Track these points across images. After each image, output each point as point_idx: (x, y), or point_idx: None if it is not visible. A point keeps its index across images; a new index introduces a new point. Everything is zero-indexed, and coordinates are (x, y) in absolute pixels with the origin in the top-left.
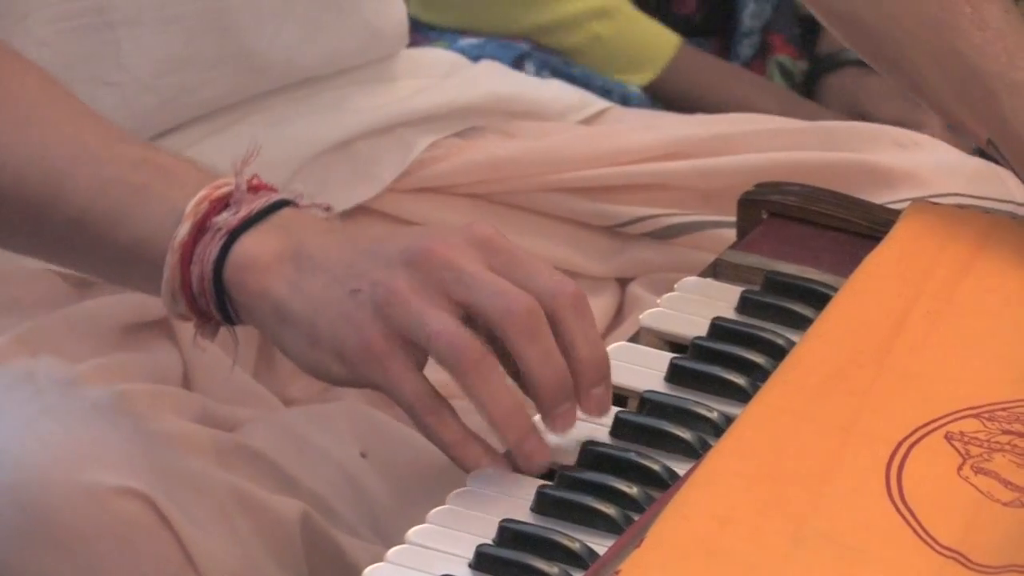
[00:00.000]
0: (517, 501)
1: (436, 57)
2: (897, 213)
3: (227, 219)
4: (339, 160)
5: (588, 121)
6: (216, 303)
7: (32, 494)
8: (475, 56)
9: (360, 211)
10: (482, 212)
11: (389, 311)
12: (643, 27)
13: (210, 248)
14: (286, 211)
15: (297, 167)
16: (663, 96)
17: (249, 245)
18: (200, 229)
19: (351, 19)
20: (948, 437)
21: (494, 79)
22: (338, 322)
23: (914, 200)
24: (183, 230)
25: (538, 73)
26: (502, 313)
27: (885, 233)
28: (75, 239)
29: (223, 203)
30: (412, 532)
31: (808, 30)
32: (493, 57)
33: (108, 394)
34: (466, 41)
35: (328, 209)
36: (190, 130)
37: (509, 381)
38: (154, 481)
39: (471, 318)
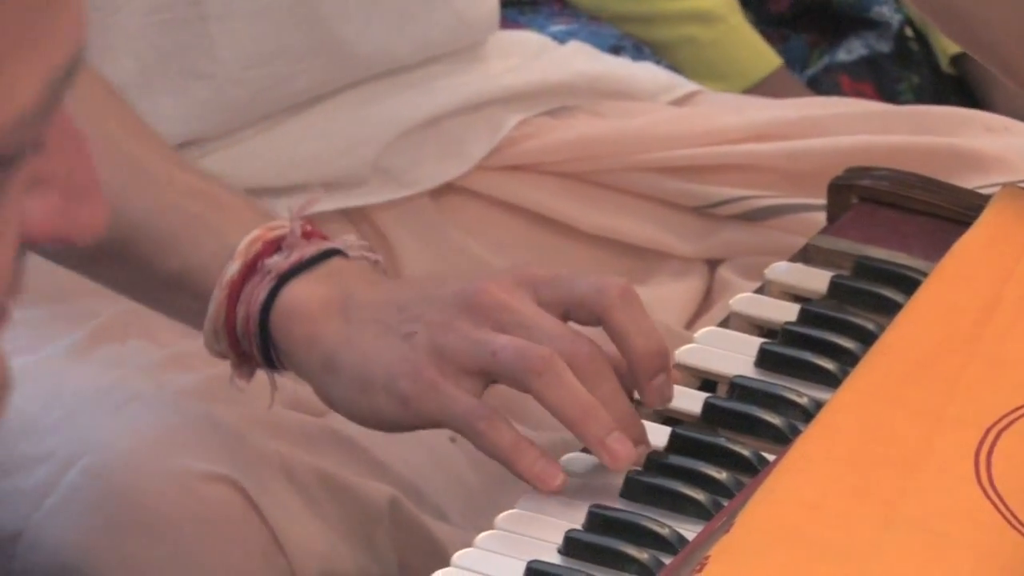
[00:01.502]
0: (607, 486)
1: (525, 38)
2: (987, 198)
3: (278, 262)
4: (428, 138)
5: (678, 102)
6: (259, 346)
7: (121, 480)
8: (565, 41)
9: (449, 188)
10: (571, 190)
11: (447, 345)
12: (743, 43)
13: (259, 290)
14: (336, 260)
15: (386, 145)
16: None
17: (298, 291)
18: (251, 269)
19: (440, 9)
20: None
21: (584, 59)
22: (393, 364)
23: (1004, 185)
24: (233, 268)
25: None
26: (567, 357)
27: (975, 218)
28: (124, 260)
29: (275, 245)
30: (501, 517)
31: None
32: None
33: (196, 380)
34: (556, 27)
35: (377, 262)
36: (279, 115)
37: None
38: (242, 467)
39: None
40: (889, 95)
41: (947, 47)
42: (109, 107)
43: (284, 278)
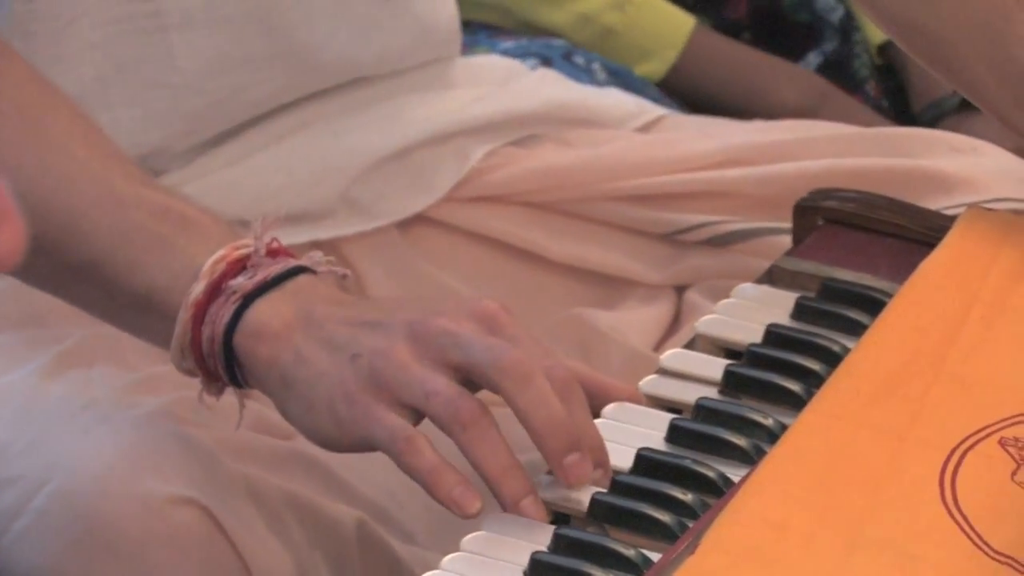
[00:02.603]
0: (573, 508)
1: (492, 64)
2: (952, 219)
3: (242, 283)
4: (397, 169)
5: (645, 128)
6: (224, 366)
7: (88, 503)
8: (520, 56)
9: (417, 220)
10: (539, 220)
11: (385, 375)
12: (655, 14)
13: (223, 311)
14: (302, 278)
15: (354, 176)
16: (680, 91)
17: (262, 311)
18: (215, 289)
19: (403, 16)
20: (1002, 442)
21: (551, 87)
22: (335, 386)
23: (970, 205)
24: (198, 288)
25: (588, 66)
26: (494, 364)
27: (940, 239)
28: (91, 280)
29: (241, 265)
30: (467, 540)
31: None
32: (540, 54)
33: (163, 403)
34: (506, 44)
35: (345, 276)
36: (246, 138)
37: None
38: (209, 490)
39: (470, 382)
40: (852, 86)
41: (874, 36)
42: (75, 128)
43: (248, 298)
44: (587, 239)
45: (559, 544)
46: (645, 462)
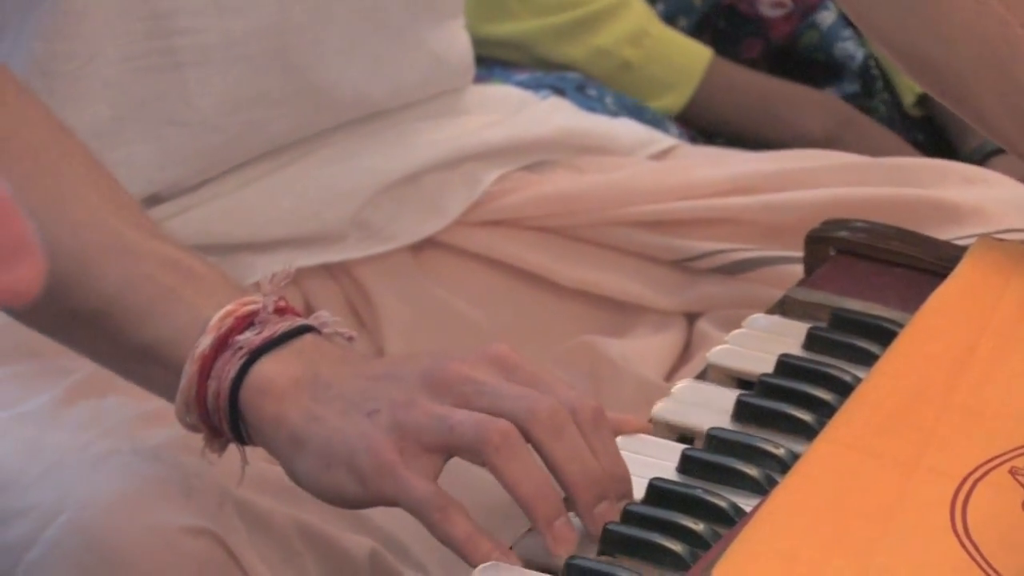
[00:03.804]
0: (583, 539)
1: (504, 93)
2: (963, 249)
3: (250, 339)
4: (407, 193)
5: (657, 157)
6: (229, 421)
7: (101, 534)
8: (534, 87)
9: (428, 243)
10: (550, 245)
11: (408, 422)
12: (673, 47)
13: (229, 366)
14: (308, 337)
15: (365, 200)
16: (699, 123)
17: (268, 368)
18: (222, 344)
19: (416, 52)
20: (1013, 472)
21: (563, 115)
22: (354, 441)
23: (980, 236)
24: (205, 342)
25: (601, 98)
26: (527, 413)
27: (951, 269)
28: (97, 329)
29: (248, 320)
30: (478, 570)
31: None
32: (553, 86)
33: (175, 434)
34: (521, 76)
35: (351, 339)
36: (257, 165)
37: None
38: (222, 520)
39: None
40: None
41: (912, 86)
42: (89, 175)
43: (255, 354)
44: (598, 264)
45: (570, 574)
46: (657, 492)
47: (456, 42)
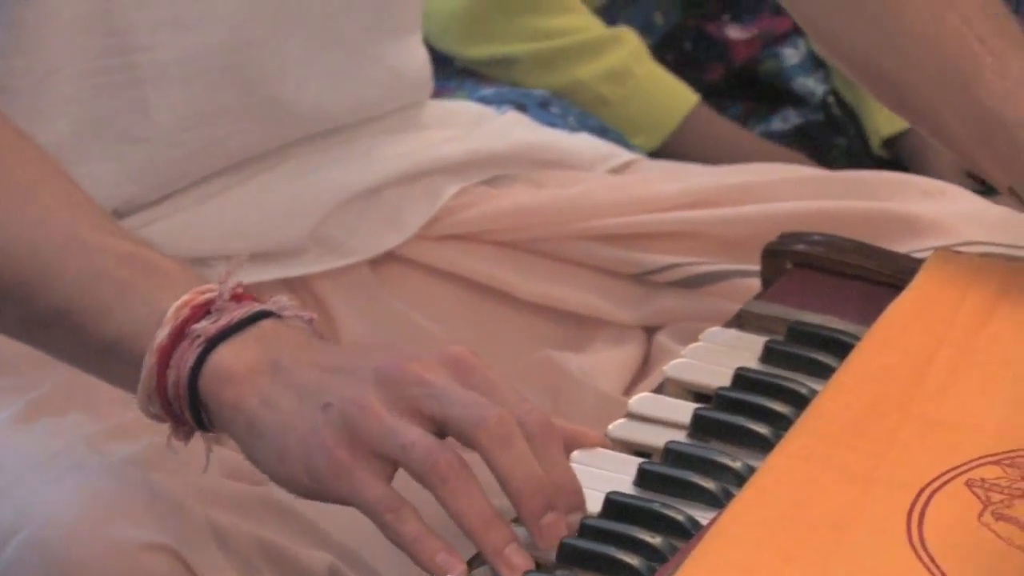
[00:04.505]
0: (542, 554)
1: (463, 108)
2: (920, 262)
3: (206, 327)
4: (367, 207)
5: (616, 171)
6: (190, 409)
7: (60, 550)
8: (497, 102)
9: (388, 257)
10: (509, 259)
11: (359, 425)
12: (656, 90)
13: (187, 355)
14: (266, 323)
15: (325, 214)
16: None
17: (225, 355)
18: (179, 334)
19: (375, 67)
20: (969, 484)
21: (522, 130)
22: (307, 437)
23: (938, 248)
24: (162, 333)
25: (563, 116)
26: (474, 421)
27: (908, 281)
28: (58, 327)
29: (204, 309)
30: None
31: None
32: (516, 102)
33: (136, 450)
34: (487, 90)
35: (311, 321)
36: (217, 180)
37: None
38: (181, 536)
39: (442, 434)
40: (824, 162)
41: (879, 128)
42: (43, 174)
43: (212, 342)
44: (557, 278)
45: None
46: (614, 506)
47: (414, 57)
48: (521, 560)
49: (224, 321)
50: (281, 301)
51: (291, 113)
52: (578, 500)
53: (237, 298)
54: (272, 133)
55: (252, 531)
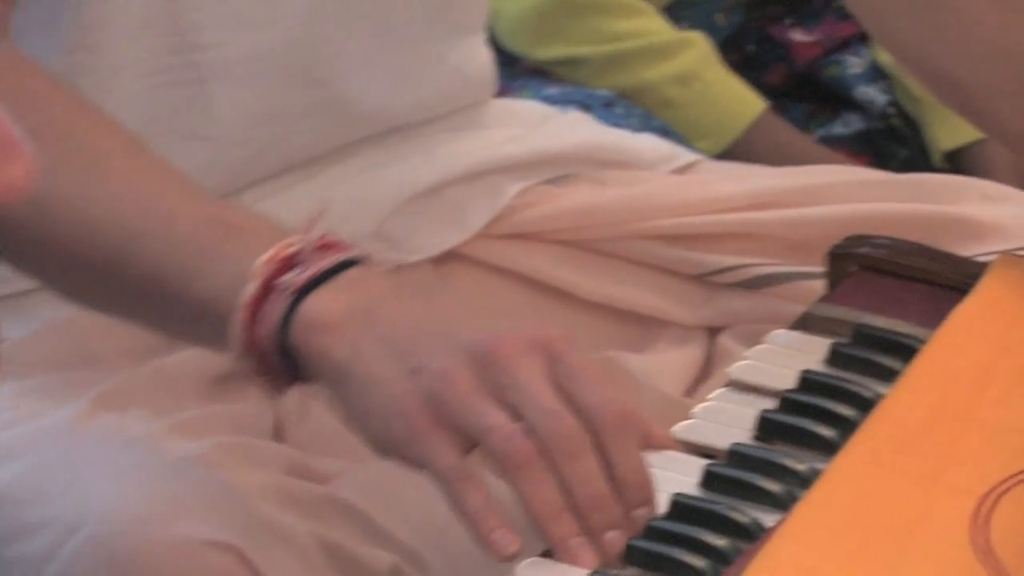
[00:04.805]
0: (608, 554)
1: (527, 107)
2: (984, 266)
3: (293, 279)
4: (429, 205)
5: (679, 172)
6: (283, 362)
7: (121, 549)
8: (562, 102)
9: (449, 256)
10: (572, 258)
11: (445, 399)
12: (723, 94)
13: (276, 308)
14: (354, 271)
15: (387, 212)
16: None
17: (314, 305)
18: (268, 288)
19: (438, 67)
20: None
21: (585, 129)
22: (390, 399)
23: (1001, 252)
24: (250, 290)
25: (627, 117)
26: (547, 432)
27: (973, 286)
28: (148, 297)
29: (291, 262)
30: (523, 566)
31: None
32: (580, 102)
33: (197, 448)
34: (551, 90)
35: (399, 268)
36: (280, 178)
37: None
38: (245, 534)
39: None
40: (885, 171)
41: (940, 142)
42: (119, 145)
43: (301, 293)
44: (620, 278)
45: None
46: (679, 507)
47: (477, 56)
48: (586, 553)
49: (311, 272)
50: (367, 248)
51: (354, 112)
52: (645, 496)
53: (323, 248)
54: (335, 132)
55: (315, 530)
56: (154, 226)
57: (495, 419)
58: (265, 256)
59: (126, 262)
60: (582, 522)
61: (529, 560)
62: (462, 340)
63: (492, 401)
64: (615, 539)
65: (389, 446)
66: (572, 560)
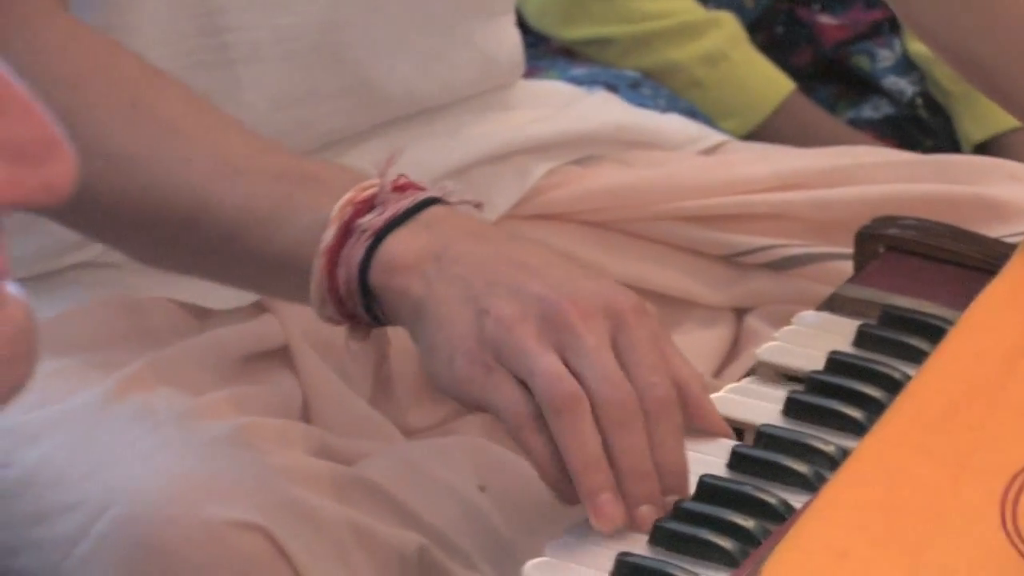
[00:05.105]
0: (635, 534)
1: (553, 88)
2: (1013, 247)
3: (372, 220)
4: (456, 186)
5: (705, 153)
6: (363, 305)
7: (149, 528)
8: (588, 83)
9: None
10: (598, 239)
11: (505, 343)
12: (751, 74)
13: (355, 250)
14: (434, 209)
15: None
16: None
17: (394, 245)
18: (346, 232)
19: (466, 49)
20: None
21: (612, 110)
22: (456, 338)
23: None
24: (329, 234)
25: (654, 98)
26: (602, 398)
27: (1001, 266)
28: (224, 253)
29: (368, 205)
30: (530, 565)
31: None
32: (607, 83)
33: (227, 427)
34: (578, 71)
35: (479, 206)
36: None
37: None
38: (272, 515)
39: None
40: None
41: (971, 135)
42: (184, 106)
43: (380, 235)
44: (647, 259)
45: (621, 570)
46: (707, 488)
47: (506, 39)
48: (614, 510)
49: (389, 212)
50: (446, 186)
51: (382, 94)
52: (679, 483)
53: (401, 188)
54: (363, 114)
55: (342, 510)
56: (225, 183)
57: (543, 363)
58: (342, 200)
59: (203, 223)
60: (621, 488)
61: (537, 560)
62: (535, 290)
63: (549, 348)
64: (647, 513)
65: (450, 385)
66: (597, 514)
